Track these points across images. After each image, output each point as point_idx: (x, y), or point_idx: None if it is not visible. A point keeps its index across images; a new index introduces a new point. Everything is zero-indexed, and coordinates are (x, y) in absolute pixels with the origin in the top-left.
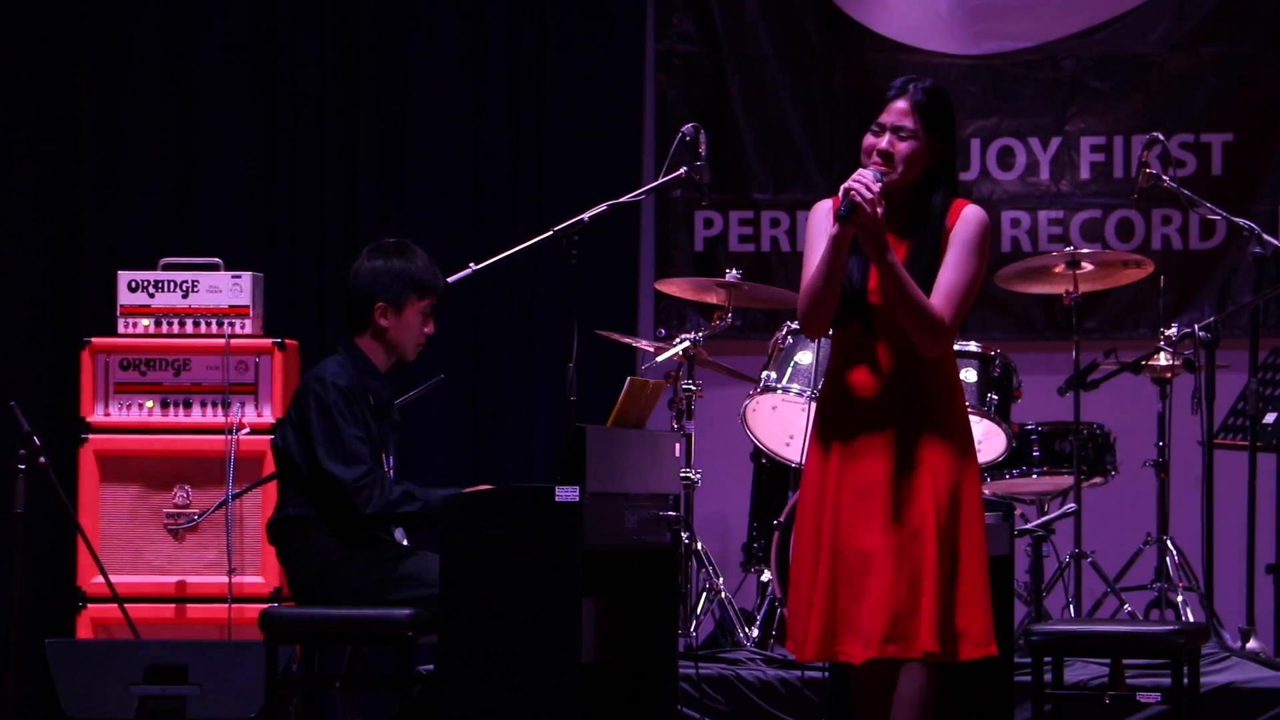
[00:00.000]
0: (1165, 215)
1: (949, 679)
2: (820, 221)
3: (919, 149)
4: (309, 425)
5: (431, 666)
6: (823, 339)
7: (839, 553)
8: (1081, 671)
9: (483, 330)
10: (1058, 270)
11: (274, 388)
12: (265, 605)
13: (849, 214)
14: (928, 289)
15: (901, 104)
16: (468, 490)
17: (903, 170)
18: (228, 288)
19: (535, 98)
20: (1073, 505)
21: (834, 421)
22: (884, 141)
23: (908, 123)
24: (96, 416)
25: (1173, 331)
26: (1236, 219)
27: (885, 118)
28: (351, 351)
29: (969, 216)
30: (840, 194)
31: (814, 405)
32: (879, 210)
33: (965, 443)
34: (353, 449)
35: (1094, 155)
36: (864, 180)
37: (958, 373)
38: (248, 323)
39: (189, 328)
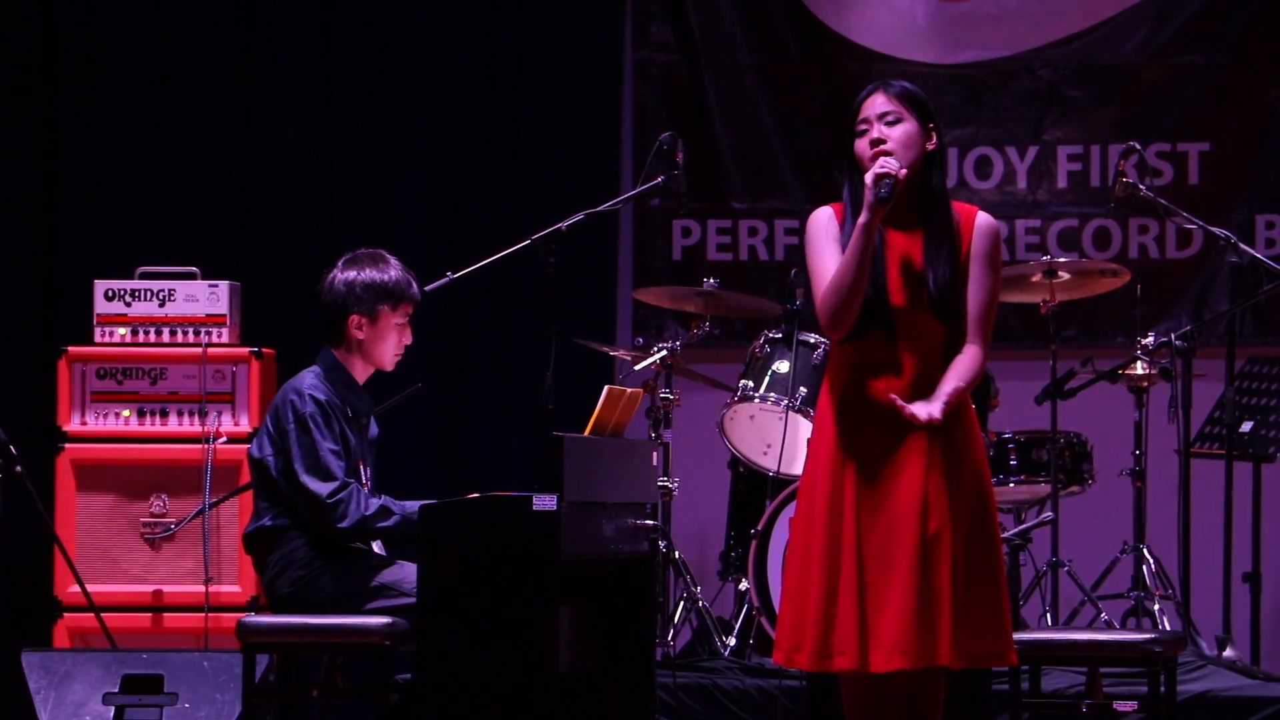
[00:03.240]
0: (1142, 224)
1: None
2: (824, 228)
3: (912, 129)
4: (286, 438)
5: (409, 675)
6: (799, 349)
7: (864, 563)
8: (1058, 680)
9: (460, 339)
10: (1035, 279)
11: (251, 397)
12: (242, 614)
13: (891, 194)
14: (949, 281)
15: (880, 96)
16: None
17: (902, 154)
18: (205, 296)
19: (513, 106)
20: (1050, 514)
21: (854, 431)
22: (875, 131)
23: (892, 106)
24: (73, 425)
25: (1149, 340)
26: (1213, 228)
27: (868, 112)
28: (329, 363)
29: (986, 229)
30: (870, 180)
31: (791, 415)
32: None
33: (981, 446)
34: (329, 464)
35: (1071, 164)
36: (891, 165)
37: None
38: (224, 331)
39: (166, 336)
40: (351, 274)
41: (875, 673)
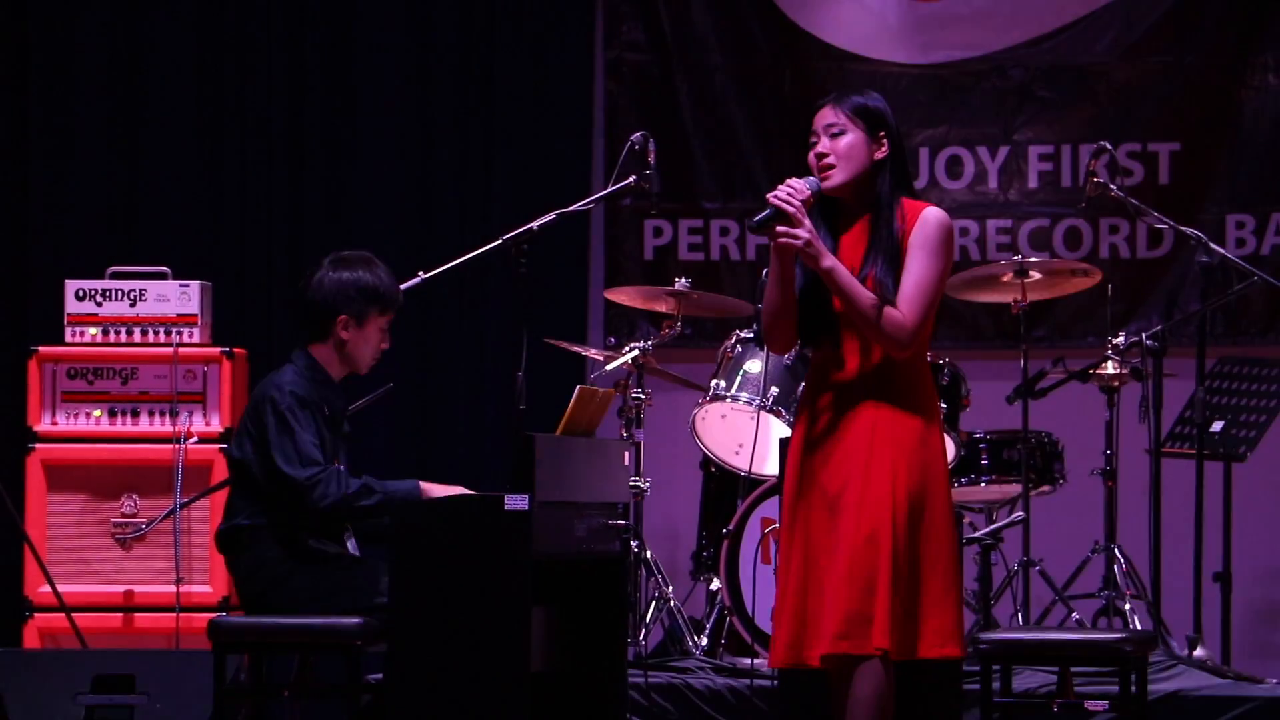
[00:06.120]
0: (1113, 224)
1: (899, 685)
2: None
3: (855, 140)
4: (265, 432)
5: (380, 676)
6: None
7: (809, 561)
8: (1029, 680)
9: (432, 339)
10: (1006, 279)
11: (222, 396)
12: (213, 614)
13: (761, 224)
14: (891, 284)
15: (827, 110)
16: (433, 495)
17: (844, 165)
18: (176, 296)
19: (484, 106)
20: (1021, 514)
21: (806, 434)
22: (820, 145)
23: (836, 119)
24: (44, 426)
25: (1120, 340)
26: (1183, 228)
27: (816, 124)
28: (308, 361)
29: (927, 218)
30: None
31: (762, 415)
32: (804, 222)
33: (932, 446)
34: (307, 452)
35: (1042, 164)
36: (789, 189)
37: (929, 378)
38: (196, 331)
39: (137, 336)
40: (344, 274)
41: (812, 664)
